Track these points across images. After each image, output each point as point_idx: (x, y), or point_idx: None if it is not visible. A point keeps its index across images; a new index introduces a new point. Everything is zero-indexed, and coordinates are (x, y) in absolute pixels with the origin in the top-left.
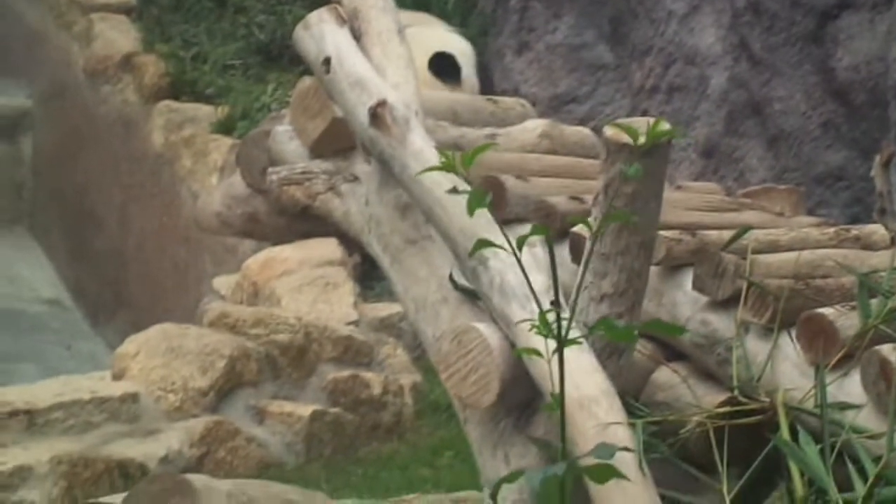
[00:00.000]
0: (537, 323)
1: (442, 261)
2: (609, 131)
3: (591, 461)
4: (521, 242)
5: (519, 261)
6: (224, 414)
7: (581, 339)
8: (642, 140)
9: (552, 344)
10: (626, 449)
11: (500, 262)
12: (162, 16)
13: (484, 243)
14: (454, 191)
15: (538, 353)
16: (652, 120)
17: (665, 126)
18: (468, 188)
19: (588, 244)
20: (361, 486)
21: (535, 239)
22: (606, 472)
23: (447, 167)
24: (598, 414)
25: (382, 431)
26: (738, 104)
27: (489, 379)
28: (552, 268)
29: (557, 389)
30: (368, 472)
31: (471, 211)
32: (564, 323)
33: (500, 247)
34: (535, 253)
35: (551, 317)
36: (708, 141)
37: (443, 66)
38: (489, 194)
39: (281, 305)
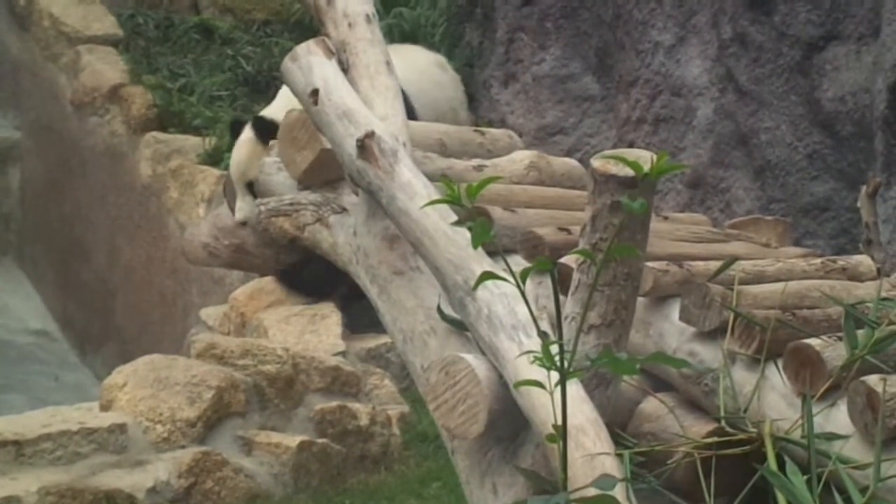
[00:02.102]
0: (539, 355)
1: (430, 292)
2: (596, 163)
3: (588, 492)
4: (526, 274)
5: (522, 293)
6: (212, 445)
7: (583, 372)
8: (645, 173)
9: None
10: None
11: (488, 293)
12: (149, 47)
13: (487, 275)
14: (459, 223)
15: (540, 385)
16: (641, 152)
17: (666, 160)
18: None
19: (576, 275)
20: None
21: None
22: (607, 503)
23: (452, 199)
24: (586, 444)
25: (370, 462)
26: (724, 135)
27: (477, 410)
28: (555, 300)
29: (548, 420)
30: (356, 502)
31: (475, 244)
32: (567, 355)
33: (504, 278)
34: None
35: (553, 349)
36: (694, 172)
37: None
38: (493, 227)
39: (268, 336)
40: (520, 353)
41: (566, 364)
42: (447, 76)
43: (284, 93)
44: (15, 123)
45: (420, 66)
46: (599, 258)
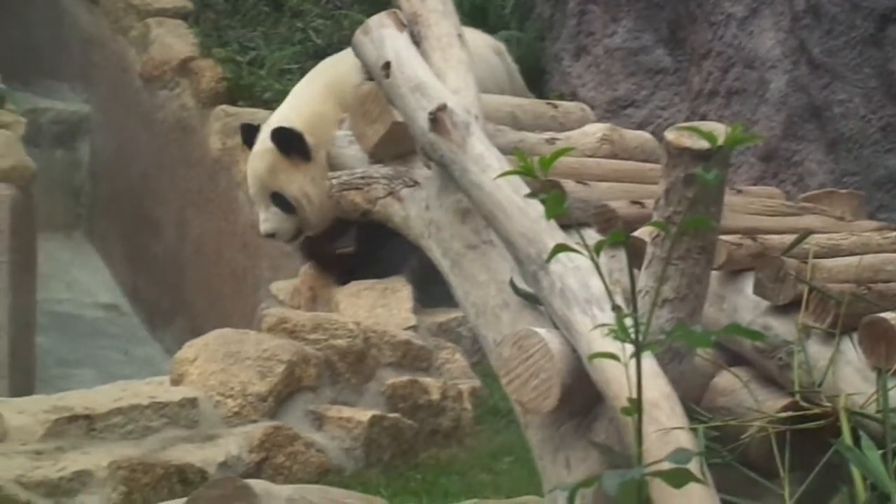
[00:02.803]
0: (614, 327)
1: (502, 265)
2: (670, 135)
3: (663, 466)
4: (600, 248)
5: (597, 266)
6: (283, 419)
7: (658, 345)
8: (720, 145)
9: (620, 347)
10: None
11: (561, 267)
12: (219, 20)
13: (561, 248)
14: (532, 195)
15: (615, 357)
16: (715, 125)
17: (740, 131)
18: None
19: (650, 249)
20: (420, 491)
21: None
22: (683, 477)
23: (525, 171)
24: (660, 418)
25: (441, 437)
26: (797, 108)
27: (550, 384)
28: (629, 273)
29: (621, 395)
30: (427, 477)
31: (549, 215)
32: (642, 328)
33: (577, 251)
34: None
35: (628, 321)
36: (767, 145)
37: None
38: (566, 199)
39: (339, 310)
40: (593, 326)
41: (641, 337)
42: (503, 64)
43: (291, 98)
44: (84, 97)
45: (475, 51)
46: (673, 231)
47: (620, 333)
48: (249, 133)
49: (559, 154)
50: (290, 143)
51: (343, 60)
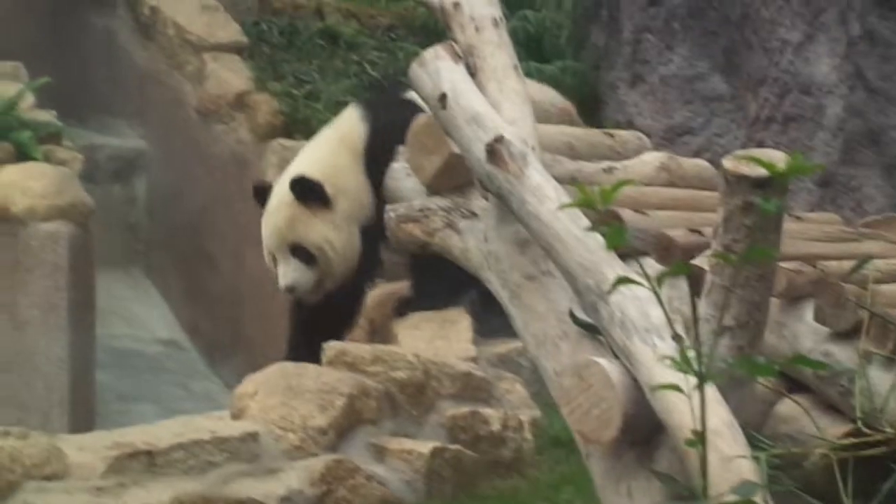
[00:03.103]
0: (677, 358)
1: (561, 296)
2: (728, 163)
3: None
4: (663, 279)
5: (659, 298)
6: (344, 452)
7: (721, 375)
8: (779, 172)
9: (682, 377)
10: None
11: (621, 297)
12: (274, 54)
13: (623, 280)
14: (592, 228)
15: (678, 389)
16: (773, 152)
17: (800, 159)
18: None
19: (709, 277)
20: None
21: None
22: None
23: (586, 202)
24: (722, 447)
25: (502, 467)
26: (854, 133)
27: (611, 414)
28: (692, 303)
29: (683, 424)
30: None
31: (609, 246)
32: (704, 358)
33: (640, 283)
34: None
35: (690, 353)
36: (824, 171)
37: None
38: (626, 230)
39: (399, 342)
40: (654, 356)
41: (703, 368)
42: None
43: (303, 154)
44: (140, 132)
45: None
46: (733, 260)
47: (683, 365)
48: (262, 192)
49: (619, 186)
50: (309, 191)
51: (347, 117)
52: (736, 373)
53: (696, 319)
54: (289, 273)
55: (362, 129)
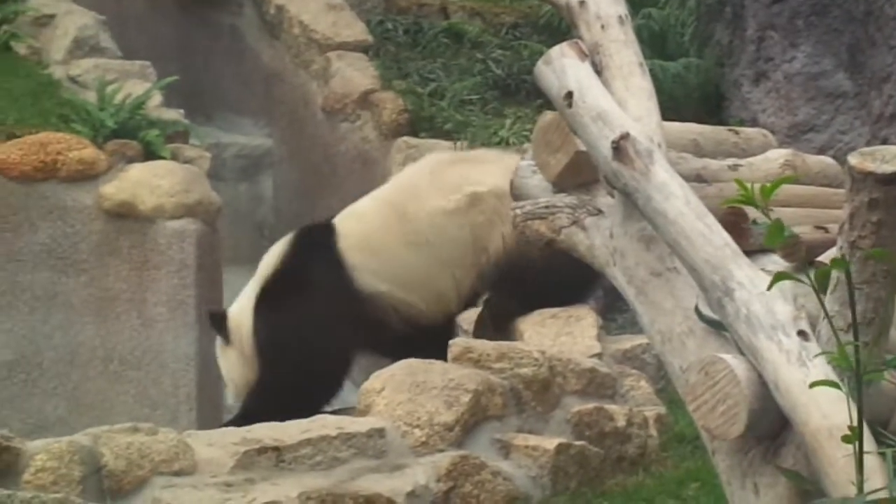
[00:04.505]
0: (834, 354)
1: (687, 292)
2: (853, 160)
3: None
4: (821, 276)
5: (818, 293)
6: (470, 448)
7: (881, 374)
8: None
9: (800, 375)
10: None
11: (746, 293)
12: (399, 53)
13: (781, 276)
14: (757, 224)
15: (834, 385)
16: None
17: None
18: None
19: (835, 274)
20: None
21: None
22: None
23: (745, 200)
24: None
25: (627, 464)
26: None
27: (737, 410)
28: (850, 301)
29: (809, 421)
30: None
31: (769, 243)
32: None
33: (798, 279)
34: (781, 284)
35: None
36: None
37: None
38: (786, 227)
39: (524, 339)
40: (779, 352)
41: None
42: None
43: (246, 289)
44: (266, 131)
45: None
46: (858, 257)
47: (842, 361)
48: (216, 321)
49: (780, 182)
50: (216, 325)
51: (272, 255)
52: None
53: (854, 317)
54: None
55: (269, 267)
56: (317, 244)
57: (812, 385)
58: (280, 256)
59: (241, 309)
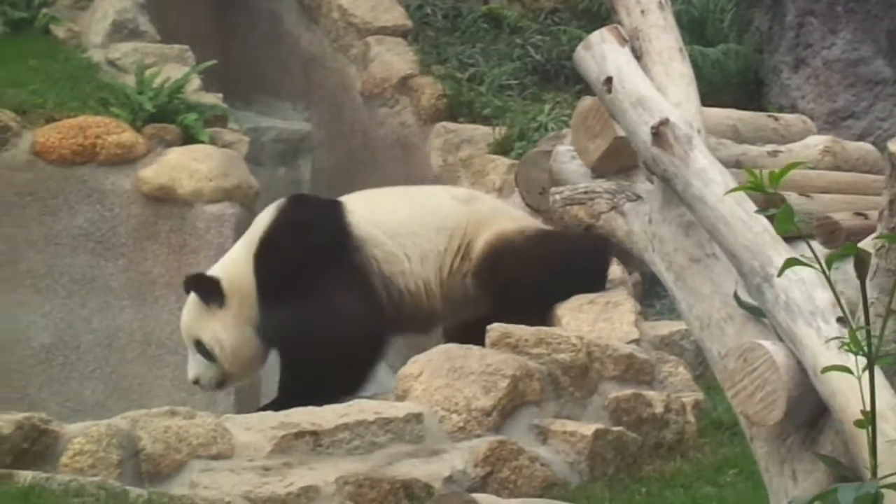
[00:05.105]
0: (846, 340)
1: (726, 278)
2: (893, 146)
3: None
4: (833, 260)
5: (828, 278)
6: (507, 433)
7: (891, 358)
8: None
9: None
10: None
11: (786, 280)
12: (438, 37)
13: (792, 262)
14: (762, 210)
15: (848, 371)
16: None
17: None
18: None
19: (875, 260)
20: None
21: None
22: None
23: (755, 186)
24: (887, 430)
25: (665, 450)
26: None
27: (776, 396)
28: (862, 286)
29: (848, 407)
30: (652, 490)
31: (780, 230)
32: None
33: (809, 265)
34: (819, 270)
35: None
36: None
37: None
38: (795, 213)
39: (562, 324)
40: (818, 338)
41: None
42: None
43: (236, 243)
44: (305, 115)
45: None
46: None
47: (854, 346)
48: (188, 284)
49: (788, 169)
50: (204, 289)
51: (263, 217)
52: None
53: (865, 303)
54: (192, 367)
55: (263, 225)
56: (312, 203)
57: (823, 370)
58: (274, 215)
59: (234, 270)
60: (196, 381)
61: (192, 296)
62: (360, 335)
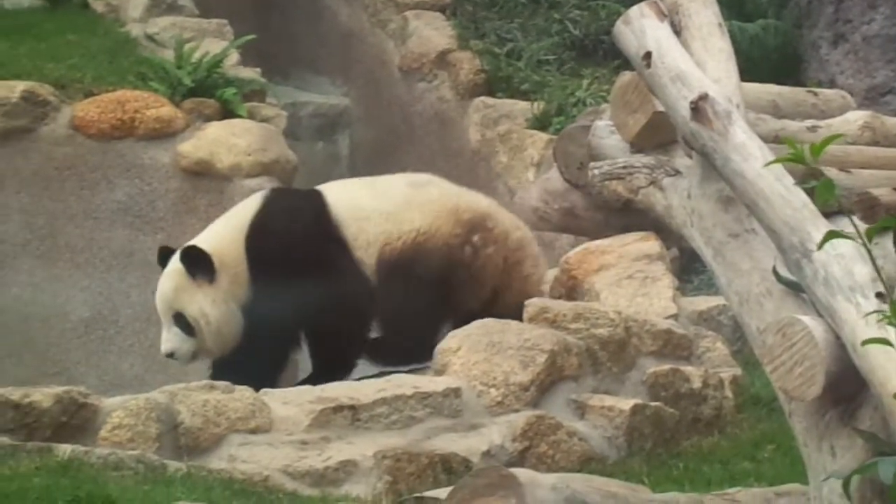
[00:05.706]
0: (887, 313)
1: (765, 253)
2: None
3: None
4: (872, 233)
5: (869, 251)
6: (545, 408)
7: None
8: None
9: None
10: None
11: (825, 255)
12: (476, 12)
13: (832, 235)
14: (801, 183)
15: (888, 343)
16: None
17: None
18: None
19: None
20: (683, 479)
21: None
22: None
23: (796, 158)
24: None
25: (703, 425)
26: None
27: (815, 371)
28: None
29: (887, 382)
30: (689, 465)
31: (820, 202)
32: None
33: (848, 237)
34: (858, 245)
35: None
36: None
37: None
38: (836, 186)
39: (600, 300)
40: (857, 314)
41: None
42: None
43: (219, 223)
44: (344, 90)
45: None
46: None
47: (893, 320)
48: (165, 256)
49: (829, 141)
50: (197, 263)
51: (252, 202)
52: None
53: None
54: (168, 339)
55: (254, 208)
56: (295, 192)
57: (863, 343)
58: (262, 202)
59: (225, 249)
60: (170, 355)
61: (174, 267)
62: (362, 305)
